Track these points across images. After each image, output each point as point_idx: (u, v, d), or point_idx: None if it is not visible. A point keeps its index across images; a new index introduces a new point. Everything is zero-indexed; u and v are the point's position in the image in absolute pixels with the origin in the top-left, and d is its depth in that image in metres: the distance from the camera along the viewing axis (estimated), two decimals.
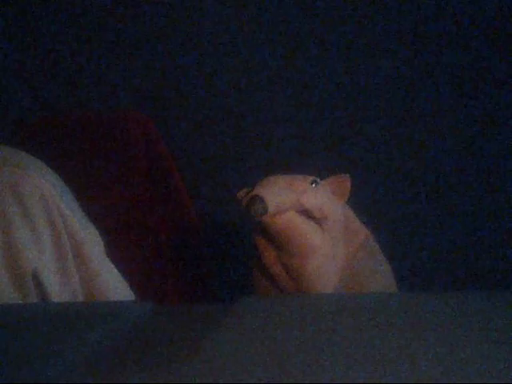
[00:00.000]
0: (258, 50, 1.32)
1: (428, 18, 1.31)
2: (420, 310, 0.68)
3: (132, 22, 1.33)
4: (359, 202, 0.99)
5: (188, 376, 0.49)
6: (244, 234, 1.29)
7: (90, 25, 1.33)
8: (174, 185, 1.24)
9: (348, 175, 0.96)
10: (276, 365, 0.51)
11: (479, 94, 1.31)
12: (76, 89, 1.34)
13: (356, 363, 0.51)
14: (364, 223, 0.99)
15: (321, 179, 0.95)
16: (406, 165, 1.33)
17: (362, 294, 0.92)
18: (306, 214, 0.92)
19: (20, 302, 0.85)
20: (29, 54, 1.34)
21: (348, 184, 0.96)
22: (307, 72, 1.33)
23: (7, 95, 1.34)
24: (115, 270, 0.92)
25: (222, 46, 1.33)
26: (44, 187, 0.88)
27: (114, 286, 0.91)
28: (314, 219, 0.92)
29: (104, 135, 1.23)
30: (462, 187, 1.33)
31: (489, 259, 1.32)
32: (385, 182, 1.33)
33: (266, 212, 0.89)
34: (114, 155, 1.21)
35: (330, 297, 0.87)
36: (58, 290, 0.87)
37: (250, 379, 0.48)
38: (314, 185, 0.93)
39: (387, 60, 1.32)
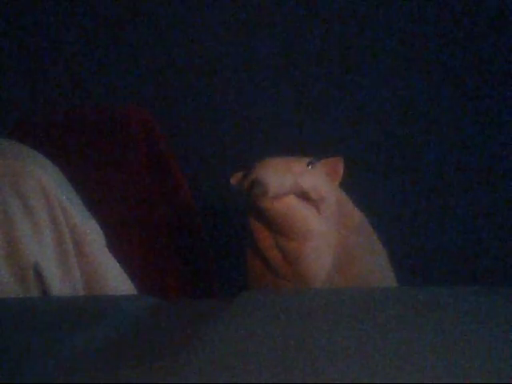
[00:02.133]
0: (260, 46, 1.32)
1: (428, 18, 1.31)
2: (419, 305, 0.69)
3: (134, 18, 1.33)
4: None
5: (188, 372, 0.49)
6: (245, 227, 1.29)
7: (91, 20, 1.33)
8: (175, 180, 1.24)
9: (341, 157, 0.98)
10: (276, 362, 0.51)
11: (479, 94, 1.31)
12: (77, 84, 1.34)
13: (355, 360, 0.51)
14: (358, 207, 1.00)
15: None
16: (404, 163, 1.32)
17: (362, 289, 0.92)
18: (303, 195, 0.93)
19: (21, 295, 0.85)
20: (29, 50, 1.34)
21: (341, 165, 0.98)
22: (307, 69, 1.33)
23: (7, 91, 1.34)
24: (116, 264, 0.93)
25: (224, 42, 1.33)
26: (44, 180, 0.88)
27: (115, 279, 0.91)
28: (311, 201, 0.93)
29: (105, 130, 1.23)
30: (462, 183, 1.33)
31: (488, 256, 1.32)
32: (384, 180, 1.33)
33: (267, 195, 0.90)
34: (114, 150, 1.21)
35: (331, 292, 0.87)
36: (59, 284, 0.87)
37: (249, 377, 0.48)
38: (310, 166, 0.95)
39: (388, 59, 1.32)
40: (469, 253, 1.33)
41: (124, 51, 1.33)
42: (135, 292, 0.93)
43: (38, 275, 0.86)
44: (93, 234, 0.91)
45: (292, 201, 0.92)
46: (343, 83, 1.33)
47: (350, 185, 0.98)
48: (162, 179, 1.23)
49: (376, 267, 0.98)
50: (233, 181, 0.98)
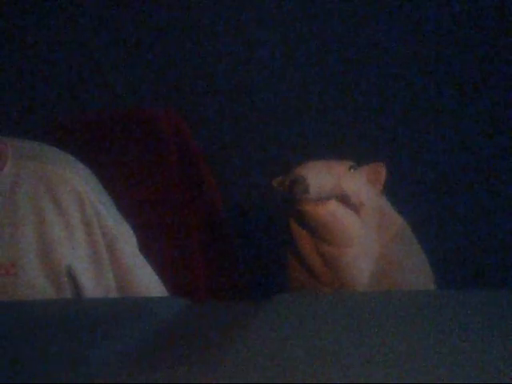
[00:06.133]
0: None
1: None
2: (453, 308, 0.69)
3: (166, 23, 1.34)
4: None
5: (222, 373, 0.50)
6: (276, 229, 1.29)
7: (121, 21, 1.34)
8: (205, 181, 1.24)
9: (383, 164, 0.97)
10: (309, 364, 0.51)
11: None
12: (107, 86, 1.35)
13: (385, 362, 0.51)
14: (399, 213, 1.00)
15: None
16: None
17: (388, 293, 0.92)
18: (344, 200, 0.93)
19: (55, 296, 0.86)
20: (60, 53, 1.35)
21: (383, 172, 0.97)
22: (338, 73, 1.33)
23: (39, 94, 1.35)
24: (148, 266, 0.93)
25: (252, 43, 1.33)
26: (77, 183, 0.89)
27: (147, 281, 0.92)
28: (351, 206, 0.93)
29: (136, 132, 1.24)
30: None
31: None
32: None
33: (308, 192, 0.90)
34: (145, 152, 1.22)
35: (363, 295, 0.87)
36: (92, 285, 0.88)
37: (283, 378, 0.48)
38: (352, 170, 0.95)
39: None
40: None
41: (156, 53, 1.34)
42: (166, 293, 0.94)
43: (71, 277, 0.87)
44: (125, 236, 0.91)
45: (333, 206, 0.92)
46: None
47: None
48: (192, 181, 1.24)
49: (417, 274, 0.98)
50: (275, 183, 0.98)
